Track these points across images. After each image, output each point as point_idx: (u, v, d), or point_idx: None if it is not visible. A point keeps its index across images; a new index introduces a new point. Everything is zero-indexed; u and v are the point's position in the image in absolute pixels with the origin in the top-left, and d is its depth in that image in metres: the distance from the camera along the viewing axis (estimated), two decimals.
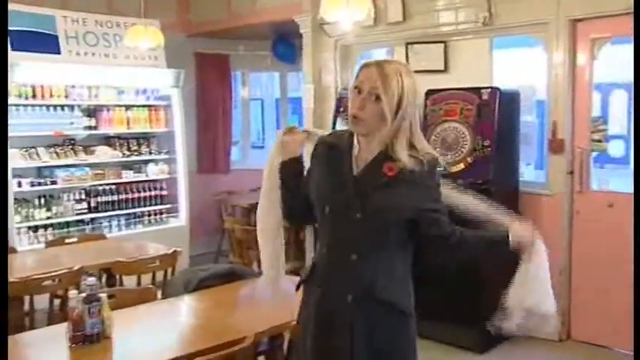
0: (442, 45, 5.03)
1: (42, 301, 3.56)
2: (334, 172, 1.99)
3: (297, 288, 2.11)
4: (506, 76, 4.96)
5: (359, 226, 1.91)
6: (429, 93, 4.74)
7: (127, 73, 6.00)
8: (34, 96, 5.53)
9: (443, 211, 1.96)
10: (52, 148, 5.77)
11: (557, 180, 4.44)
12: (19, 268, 3.99)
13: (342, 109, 5.13)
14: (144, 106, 6.36)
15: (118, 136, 6.27)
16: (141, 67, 6.10)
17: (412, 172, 1.88)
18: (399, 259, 1.97)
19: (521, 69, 5.37)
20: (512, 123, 4.58)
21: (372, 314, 1.93)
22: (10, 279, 3.44)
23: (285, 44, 7.11)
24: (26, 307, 3.52)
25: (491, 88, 4.49)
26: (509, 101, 4.51)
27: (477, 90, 4.50)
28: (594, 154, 4.45)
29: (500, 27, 4.67)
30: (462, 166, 4.47)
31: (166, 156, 6.54)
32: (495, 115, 4.39)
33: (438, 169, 1.95)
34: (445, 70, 5.03)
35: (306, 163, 2.10)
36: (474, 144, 4.44)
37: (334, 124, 5.04)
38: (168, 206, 6.55)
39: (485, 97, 4.45)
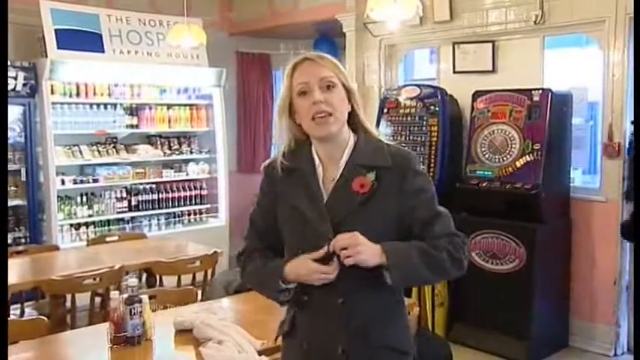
0: (490, 45, 4.88)
1: (83, 299, 3.55)
2: (302, 202, 1.69)
3: (276, 340, 1.86)
4: (557, 77, 4.79)
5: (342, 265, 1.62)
6: (477, 94, 4.61)
7: (169, 71, 6.00)
8: (77, 94, 5.57)
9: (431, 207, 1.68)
10: (95, 147, 5.80)
11: (612, 186, 4.24)
12: (62, 266, 4.02)
13: (386, 110, 5.02)
14: (185, 105, 6.36)
15: (159, 135, 6.28)
16: (183, 65, 6.09)
17: (385, 176, 1.64)
18: (392, 289, 1.68)
19: (572, 69, 5.18)
20: (564, 126, 4.41)
21: None
22: (53, 277, 3.47)
23: (327, 43, 7.02)
24: (68, 304, 3.52)
25: (542, 89, 4.34)
26: (560, 103, 4.34)
27: (527, 91, 4.35)
28: None
29: (553, 26, 4.49)
30: (510, 170, 4.34)
31: (207, 155, 6.53)
32: (547, 117, 4.22)
33: (411, 161, 1.69)
34: (493, 70, 4.87)
35: None
36: (523, 147, 4.29)
37: (378, 124, 4.93)
38: (207, 206, 6.53)
39: (536, 98, 4.30)
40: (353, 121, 1.72)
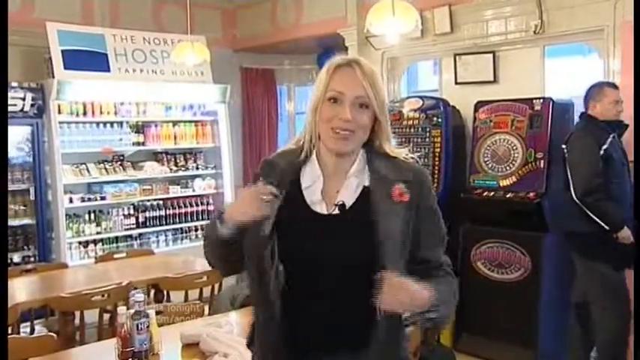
0: (491, 55, 4.92)
1: (92, 315, 3.59)
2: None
3: None
4: (558, 86, 4.81)
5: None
6: (479, 104, 4.64)
7: (174, 89, 6.07)
8: (84, 113, 5.63)
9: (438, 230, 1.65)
10: (102, 164, 5.87)
11: None
12: (71, 283, 4.07)
13: (389, 122, 5.05)
14: (191, 121, 6.42)
15: (166, 152, 6.34)
16: (188, 82, 6.16)
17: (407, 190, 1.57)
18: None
19: (573, 78, 5.21)
20: (566, 134, 4.41)
21: None
22: (62, 294, 3.51)
23: (330, 58, 7.08)
24: (77, 321, 3.56)
25: (544, 98, 4.37)
26: (562, 112, 4.37)
27: (528, 101, 4.38)
28: None
29: (553, 35, 4.54)
30: (513, 179, 4.36)
31: (213, 171, 6.57)
32: (548, 126, 4.25)
33: (427, 177, 1.65)
34: (495, 80, 4.92)
35: None
36: (525, 156, 4.31)
37: None
38: None
39: (537, 107, 4.33)
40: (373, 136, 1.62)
